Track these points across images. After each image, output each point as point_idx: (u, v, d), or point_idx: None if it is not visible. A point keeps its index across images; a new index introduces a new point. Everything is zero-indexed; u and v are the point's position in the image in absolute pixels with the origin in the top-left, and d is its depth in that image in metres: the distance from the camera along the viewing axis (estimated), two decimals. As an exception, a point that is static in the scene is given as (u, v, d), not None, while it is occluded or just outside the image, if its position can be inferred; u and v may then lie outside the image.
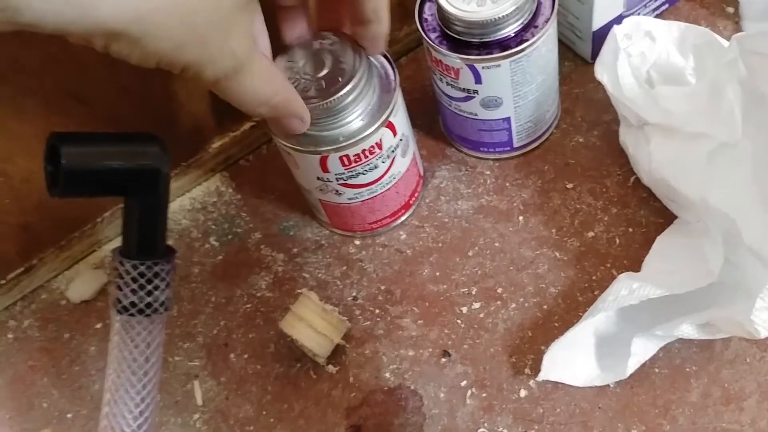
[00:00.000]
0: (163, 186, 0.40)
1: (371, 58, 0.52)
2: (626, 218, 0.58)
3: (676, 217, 0.56)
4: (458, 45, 0.54)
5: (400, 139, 0.55)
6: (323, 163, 0.53)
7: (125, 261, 0.40)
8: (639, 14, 0.65)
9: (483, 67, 0.54)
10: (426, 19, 0.56)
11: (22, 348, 0.63)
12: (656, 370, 0.52)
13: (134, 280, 0.40)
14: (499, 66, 0.53)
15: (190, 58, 0.38)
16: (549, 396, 0.52)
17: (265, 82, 0.44)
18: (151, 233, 0.40)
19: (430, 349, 0.56)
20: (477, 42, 0.53)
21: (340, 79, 0.50)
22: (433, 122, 0.67)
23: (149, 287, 0.40)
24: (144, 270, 0.40)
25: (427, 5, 0.57)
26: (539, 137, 0.63)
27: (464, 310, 0.57)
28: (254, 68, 0.42)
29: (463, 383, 0.54)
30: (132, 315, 0.40)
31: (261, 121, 0.55)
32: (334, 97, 0.49)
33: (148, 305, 0.40)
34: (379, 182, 0.56)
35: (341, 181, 0.55)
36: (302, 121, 0.49)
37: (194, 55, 0.38)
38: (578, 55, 0.67)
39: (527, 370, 0.54)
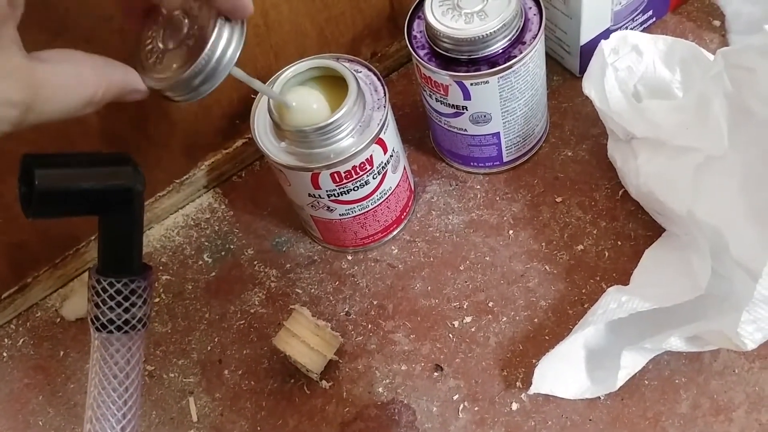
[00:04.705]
0: (137, 204, 0.40)
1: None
2: (615, 231, 0.59)
3: (664, 230, 0.57)
4: (447, 62, 0.55)
5: (391, 155, 0.56)
6: (314, 180, 0.54)
7: (102, 279, 0.40)
8: (626, 28, 0.65)
9: (471, 84, 0.54)
10: (415, 36, 0.57)
11: (17, 366, 0.63)
12: (646, 382, 0.52)
13: (111, 297, 0.40)
14: (487, 82, 0.54)
15: None
16: (540, 409, 0.53)
17: (75, 87, 0.36)
18: (127, 251, 0.41)
19: (423, 364, 0.56)
20: (465, 59, 0.54)
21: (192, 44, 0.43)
22: (424, 137, 0.67)
23: (126, 304, 0.41)
24: (121, 287, 0.40)
25: (416, 22, 0.57)
26: (528, 151, 0.63)
27: (456, 324, 0.57)
28: (51, 85, 0.35)
29: (456, 397, 0.54)
30: (111, 332, 0.41)
31: (252, 139, 0.55)
32: (196, 63, 0.41)
33: (126, 322, 0.41)
34: (370, 198, 0.57)
35: (332, 198, 0.56)
36: (138, 90, 0.42)
37: None
38: (567, 69, 0.68)
39: (519, 384, 0.54)
